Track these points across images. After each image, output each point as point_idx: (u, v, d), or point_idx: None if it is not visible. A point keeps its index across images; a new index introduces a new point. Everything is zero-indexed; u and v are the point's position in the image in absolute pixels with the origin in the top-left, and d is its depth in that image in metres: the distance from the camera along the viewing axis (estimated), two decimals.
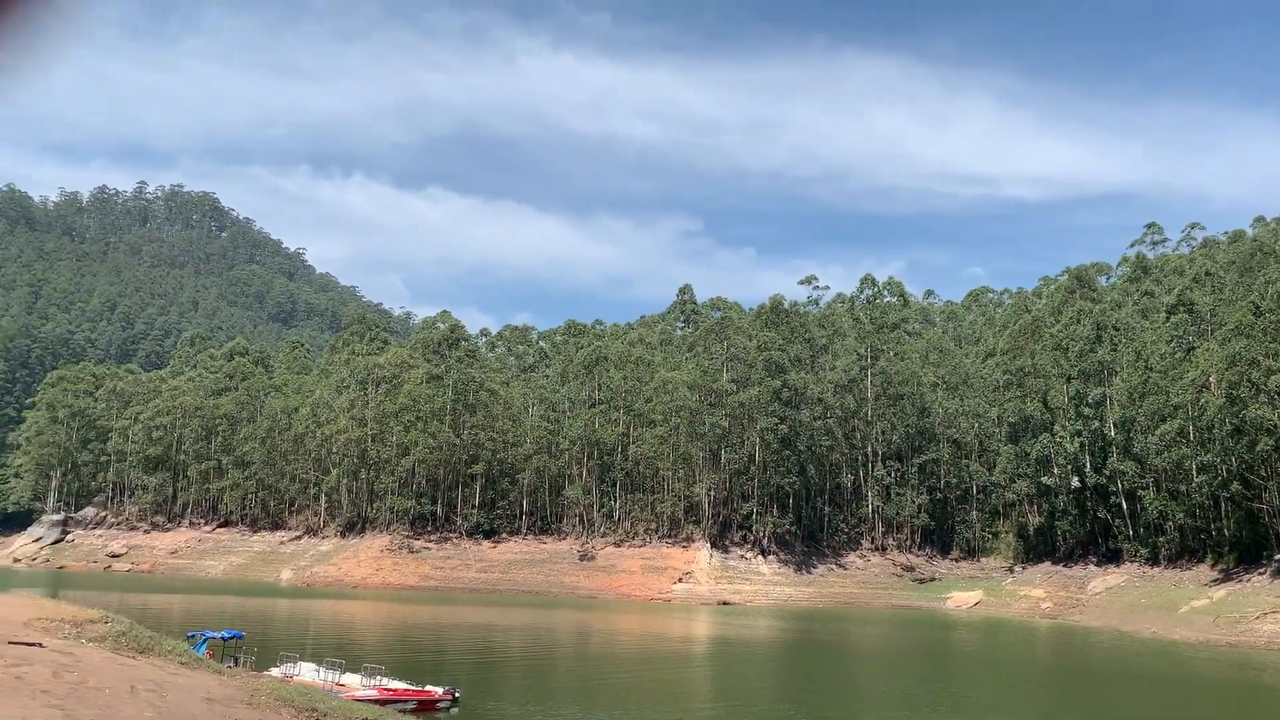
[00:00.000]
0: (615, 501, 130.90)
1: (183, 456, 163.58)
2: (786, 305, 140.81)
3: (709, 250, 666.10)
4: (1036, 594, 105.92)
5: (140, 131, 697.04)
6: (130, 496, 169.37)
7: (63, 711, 15.51)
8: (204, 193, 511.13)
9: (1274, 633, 73.35)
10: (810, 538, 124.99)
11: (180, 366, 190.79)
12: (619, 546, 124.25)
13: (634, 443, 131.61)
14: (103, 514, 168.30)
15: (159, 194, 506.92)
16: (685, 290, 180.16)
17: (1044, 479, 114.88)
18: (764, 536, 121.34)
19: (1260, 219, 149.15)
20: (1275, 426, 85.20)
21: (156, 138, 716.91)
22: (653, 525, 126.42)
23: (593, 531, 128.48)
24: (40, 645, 20.83)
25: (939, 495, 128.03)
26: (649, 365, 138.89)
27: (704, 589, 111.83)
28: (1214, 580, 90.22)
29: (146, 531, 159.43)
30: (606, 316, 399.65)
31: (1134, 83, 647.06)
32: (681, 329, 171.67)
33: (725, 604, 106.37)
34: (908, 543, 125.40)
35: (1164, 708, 47.74)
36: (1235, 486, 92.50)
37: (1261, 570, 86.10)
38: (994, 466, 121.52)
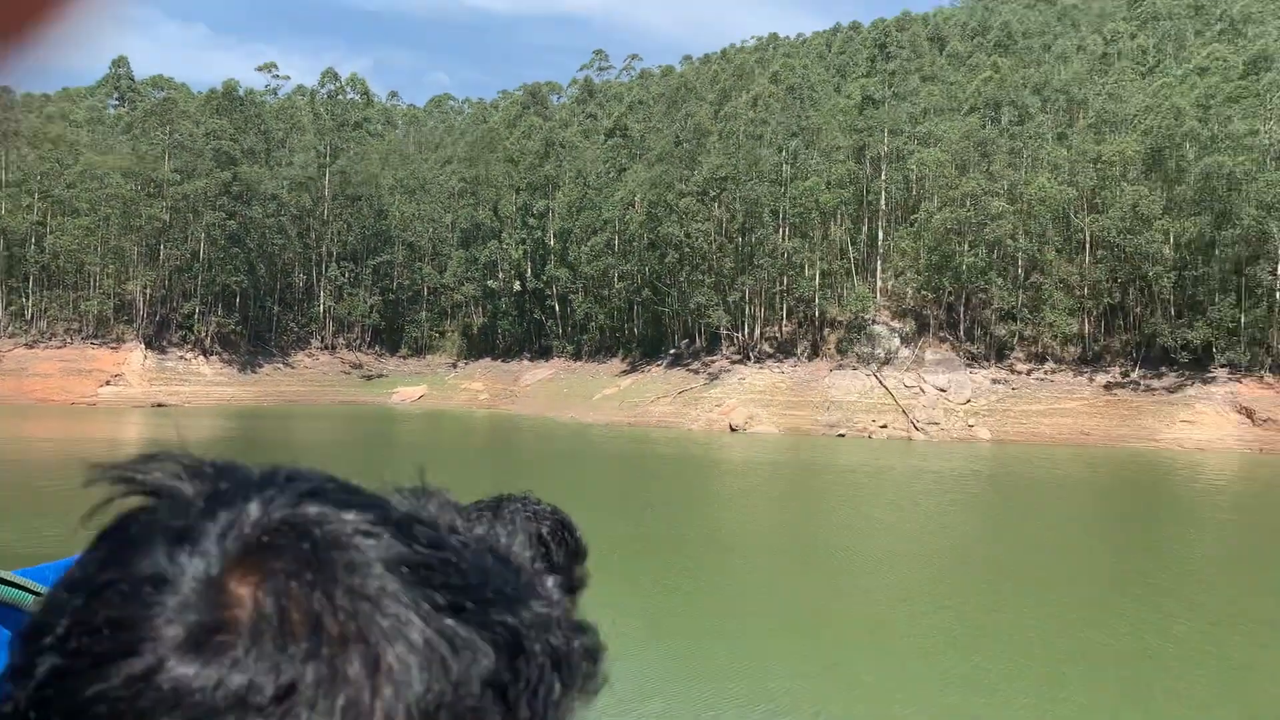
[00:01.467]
0: (28, 299, 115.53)
1: None
2: (241, 92, 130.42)
3: (153, 22, 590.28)
4: (476, 387, 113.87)
5: None
6: None
7: None
8: None
9: (663, 413, 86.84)
10: (258, 338, 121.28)
11: None
12: (32, 349, 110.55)
13: (52, 233, 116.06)
14: None
15: None
16: (120, 63, 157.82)
17: (490, 283, 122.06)
18: (206, 337, 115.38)
19: (688, 57, 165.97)
20: (681, 242, 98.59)
21: None
22: (75, 325, 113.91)
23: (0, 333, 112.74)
24: None
25: (391, 296, 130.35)
26: (72, 145, 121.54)
27: (136, 391, 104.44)
28: (623, 372, 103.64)
29: None
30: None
31: None
32: (115, 107, 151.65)
33: (160, 405, 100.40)
34: (358, 342, 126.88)
35: (578, 474, 54.76)
36: (646, 293, 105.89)
37: (659, 363, 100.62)
38: (445, 270, 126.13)
